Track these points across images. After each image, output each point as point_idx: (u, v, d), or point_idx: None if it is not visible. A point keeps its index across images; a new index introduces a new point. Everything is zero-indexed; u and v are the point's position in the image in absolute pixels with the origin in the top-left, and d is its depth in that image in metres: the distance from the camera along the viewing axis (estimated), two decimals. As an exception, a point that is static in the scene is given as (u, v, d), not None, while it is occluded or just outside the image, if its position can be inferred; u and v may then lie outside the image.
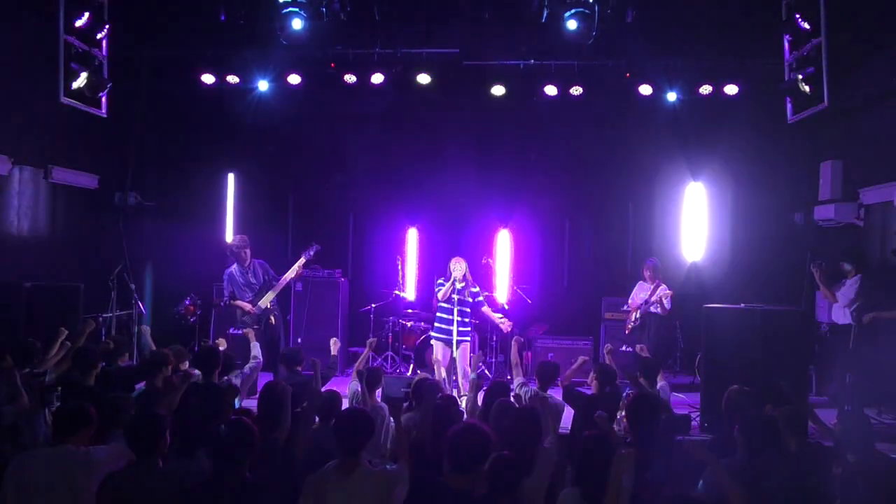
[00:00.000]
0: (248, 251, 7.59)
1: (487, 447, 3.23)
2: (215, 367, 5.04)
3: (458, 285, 7.20)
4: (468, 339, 7.40)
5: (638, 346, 6.63)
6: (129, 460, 3.39)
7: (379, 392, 6.39)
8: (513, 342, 6.06)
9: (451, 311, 7.18)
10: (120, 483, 3.22)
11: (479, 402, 4.97)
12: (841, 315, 6.83)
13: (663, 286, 8.07)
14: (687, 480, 3.61)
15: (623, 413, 5.25)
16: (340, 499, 3.25)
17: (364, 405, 5.02)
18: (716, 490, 3.37)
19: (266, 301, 7.47)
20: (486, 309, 7.55)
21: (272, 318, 7.51)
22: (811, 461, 3.74)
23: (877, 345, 6.42)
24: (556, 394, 5.48)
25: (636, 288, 8.40)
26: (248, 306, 7.48)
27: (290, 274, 7.53)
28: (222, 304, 7.69)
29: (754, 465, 3.58)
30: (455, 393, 6.86)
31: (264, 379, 5.75)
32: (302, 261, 7.63)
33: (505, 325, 7.54)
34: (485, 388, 5.16)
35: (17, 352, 4.88)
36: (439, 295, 7.28)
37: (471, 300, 7.34)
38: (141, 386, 5.14)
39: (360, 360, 5.74)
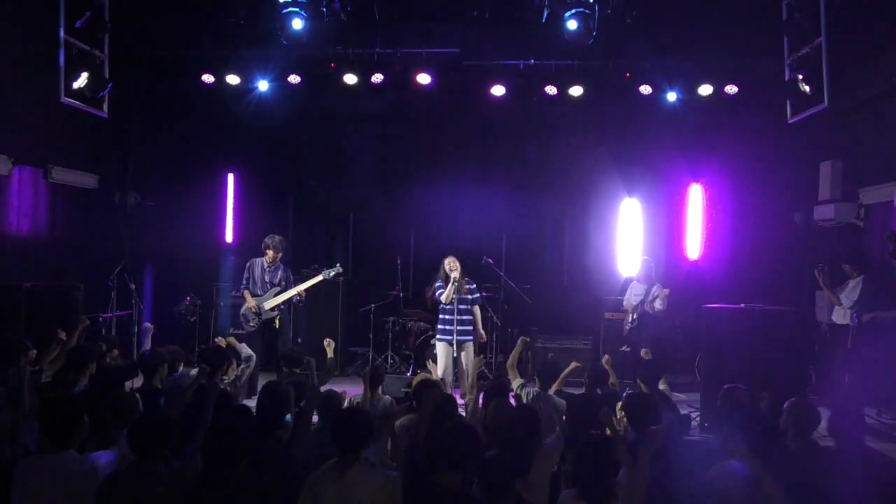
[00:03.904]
0: (273, 253, 7.59)
1: (476, 445, 3.24)
2: (219, 366, 5.03)
3: (457, 285, 7.18)
4: (471, 338, 7.29)
5: (643, 350, 6.59)
6: (129, 462, 3.37)
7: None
8: (519, 341, 6.01)
9: (452, 312, 7.13)
10: (119, 485, 3.20)
11: (480, 403, 4.98)
12: (840, 315, 6.82)
13: (658, 285, 8.07)
14: (688, 479, 3.61)
15: (623, 413, 5.26)
16: (336, 495, 3.26)
17: (363, 404, 5.02)
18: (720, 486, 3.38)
19: (269, 303, 7.48)
20: (476, 309, 7.42)
21: (276, 321, 7.51)
22: (811, 460, 3.73)
23: (877, 345, 6.42)
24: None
25: (630, 288, 8.40)
26: (251, 300, 7.52)
27: (303, 286, 7.52)
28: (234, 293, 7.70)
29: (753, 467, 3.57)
30: (457, 393, 6.87)
31: (265, 379, 5.77)
32: (319, 278, 7.62)
33: (481, 336, 7.45)
34: (484, 389, 5.15)
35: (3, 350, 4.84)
36: (442, 298, 7.18)
37: (470, 297, 7.28)
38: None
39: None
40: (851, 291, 6.71)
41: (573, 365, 5.68)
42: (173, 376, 5.28)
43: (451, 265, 7.16)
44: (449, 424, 3.38)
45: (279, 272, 7.63)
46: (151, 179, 10.02)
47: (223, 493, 3.07)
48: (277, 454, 3.81)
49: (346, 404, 4.88)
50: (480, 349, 9.01)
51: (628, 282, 8.62)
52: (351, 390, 5.60)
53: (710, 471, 3.57)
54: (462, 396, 6.48)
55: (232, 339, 6.13)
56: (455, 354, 7.09)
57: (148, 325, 6.51)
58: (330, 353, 5.92)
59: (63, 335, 5.45)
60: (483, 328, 7.66)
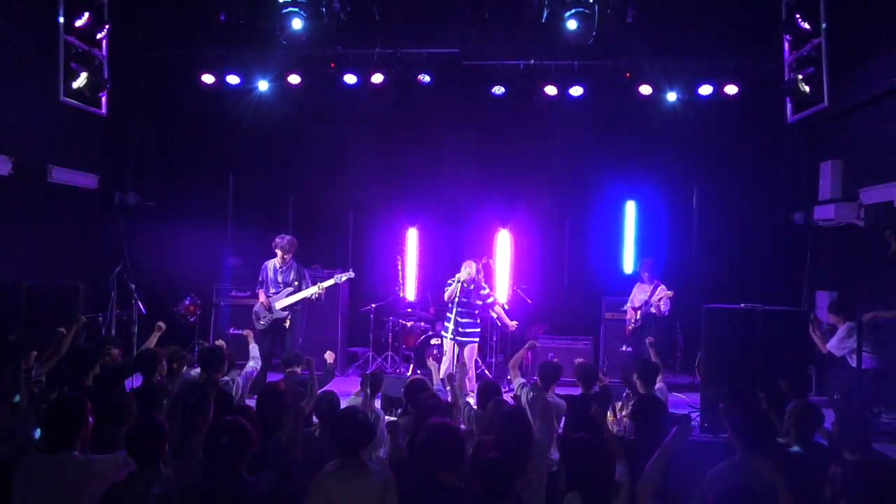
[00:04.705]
0: (282, 253, 7.61)
1: (458, 441, 3.27)
2: (219, 366, 5.02)
3: (461, 286, 7.24)
4: (473, 340, 7.38)
5: (647, 339, 6.54)
6: (130, 469, 3.36)
7: (378, 395, 6.40)
8: (526, 345, 6.08)
9: (461, 314, 7.26)
10: (122, 494, 3.20)
11: (475, 403, 4.99)
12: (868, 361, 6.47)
13: (662, 286, 8.07)
14: (688, 479, 3.61)
15: (623, 413, 5.26)
16: (340, 498, 3.25)
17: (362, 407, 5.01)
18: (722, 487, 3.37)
19: (281, 303, 7.51)
20: (497, 309, 7.69)
21: (287, 321, 7.53)
22: (812, 461, 3.73)
23: (877, 344, 6.42)
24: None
25: (635, 289, 8.40)
26: (263, 298, 7.57)
27: (312, 290, 7.54)
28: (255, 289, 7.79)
29: (753, 464, 3.57)
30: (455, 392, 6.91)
31: (271, 380, 5.77)
32: (330, 282, 7.64)
33: (511, 325, 7.77)
34: (477, 389, 5.16)
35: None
36: (445, 295, 7.34)
37: (480, 302, 7.39)
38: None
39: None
40: (844, 340, 6.50)
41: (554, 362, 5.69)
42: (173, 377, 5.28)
43: (464, 267, 7.29)
44: (428, 426, 3.39)
45: (292, 272, 7.65)
46: (151, 179, 10.02)
47: (225, 493, 3.08)
48: (278, 454, 3.81)
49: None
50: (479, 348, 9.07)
51: (634, 282, 8.65)
52: (347, 392, 5.58)
53: (711, 472, 3.57)
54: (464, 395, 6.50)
55: (249, 334, 6.17)
56: (456, 353, 7.17)
57: (160, 323, 6.42)
58: (330, 361, 5.93)
59: (63, 330, 5.44)
60: (485, 328, 7.77)
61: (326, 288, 7.63)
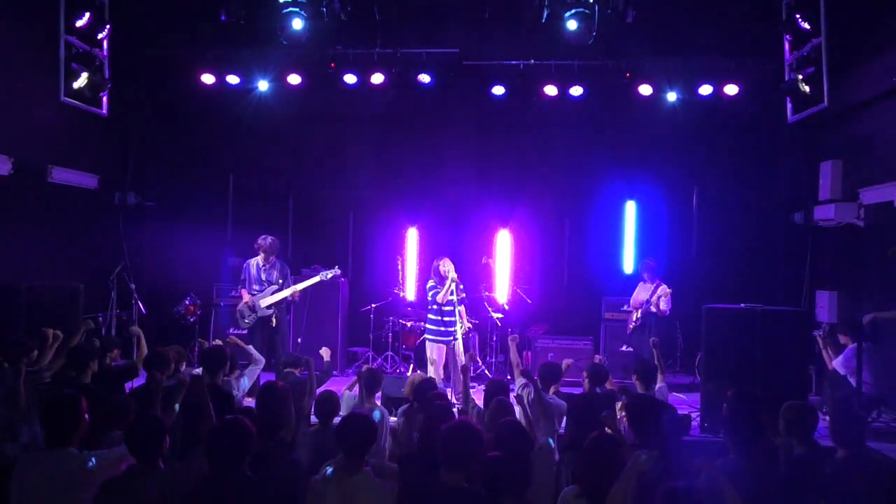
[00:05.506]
0: (265, 255, 7.61)
1: (479, 443, 3.25)
2: (221, 367, 5.02)
3: (452, 286, 7.29)
4: (457, 337, 7.48)
5: (651, 339, 6.55)
6: (129, 464, 3.37)
7: (378, 394, 6.39)
8: (509, 341, 6.09)
9: (452, 314, 7.28)
10: (118, 488, 3.20)
11: (480, 401, 5.00)
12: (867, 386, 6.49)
13: (663, 286, 8.07)
14: (686, 479, 3.60)
15: (622, 414, 5.25)
16: (340, 499, 3.26)
17: (359, 406, 5.01)
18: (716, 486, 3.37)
19: (265, 301, 7.48)
20: (461, 308, 7.66)
21: (273, 319, 7.51)
22: (811, 463, 3.73)
23: (878, 344, 6.42)
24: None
25: (637, 288, 8.41)
26: (246, 296, 7.55)
27: (299, 287, 7.54)
28: (233, 293, 7.73)
29: (750, 465, 3.57)
30: (452, 391, 6.95)
31: (264, 379, 5.77)
32: (315, 280, 7.64)
33: (466, 324, 7.83)
34: (484, 387, 5.17)
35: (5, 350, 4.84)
36: (439, 298, 7.33)
37: (456, 298, 7.43)
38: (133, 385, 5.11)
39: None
40: (849, 359, 6.46)
41: (566, 363, 5.69)
42: (177, 376, 5.28)
43: (445, 266, 7.34)
44: (453, 424, 3.39)
45: (275, 270, 7.63)
46: (151, 179, 10.03)
47: (226, 493, 3.08)
48: (280, 454, 3.81)
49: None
50: (479, 349, 9.08)
51: (634, 282, 8.65)
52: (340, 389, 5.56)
53: (702, 473, 3.57)
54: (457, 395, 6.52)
55: (235, 339, 6.14)
56: (454, 353, 7.19)
57: (135, 328, 6.43)
58: (326, 359, 5.92)
59: (51, 333, 5.41)
60: (485, 328, 7.78)
61: (310, 286, 7.61)
